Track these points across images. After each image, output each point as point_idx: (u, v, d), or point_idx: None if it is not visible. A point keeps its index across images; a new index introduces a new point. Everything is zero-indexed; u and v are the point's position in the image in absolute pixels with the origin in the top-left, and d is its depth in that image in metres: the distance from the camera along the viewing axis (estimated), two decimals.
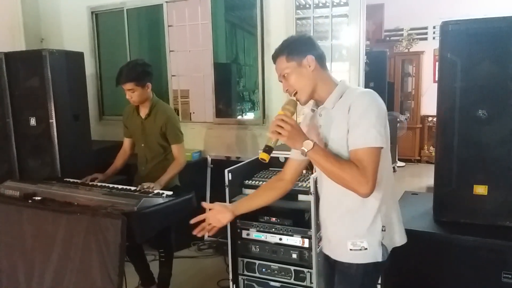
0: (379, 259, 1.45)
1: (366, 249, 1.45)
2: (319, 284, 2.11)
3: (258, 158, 1.64)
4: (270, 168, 2.67)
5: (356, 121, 1.37)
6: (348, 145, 1.39)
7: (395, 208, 1.52)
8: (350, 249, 1.47)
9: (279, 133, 1.36)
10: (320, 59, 1.51)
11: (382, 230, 1.46)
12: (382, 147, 1.36)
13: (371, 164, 1.33)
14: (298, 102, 1.49)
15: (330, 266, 1.63)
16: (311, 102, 1.58)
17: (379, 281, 1.73)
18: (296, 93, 1.49)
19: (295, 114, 1.48)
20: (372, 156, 1.33)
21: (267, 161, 1.41)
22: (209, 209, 1.67)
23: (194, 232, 1.65)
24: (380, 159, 1.36)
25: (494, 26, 1.56)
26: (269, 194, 1.72)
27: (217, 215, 1.64)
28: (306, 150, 1.35)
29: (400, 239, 1.53)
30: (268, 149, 1.41)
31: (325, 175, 1.43)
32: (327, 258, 1.65)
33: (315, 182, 1.82)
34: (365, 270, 1.47)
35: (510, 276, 1.47)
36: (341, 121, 1.41)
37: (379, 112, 1.38)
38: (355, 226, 1.47)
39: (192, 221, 1.66)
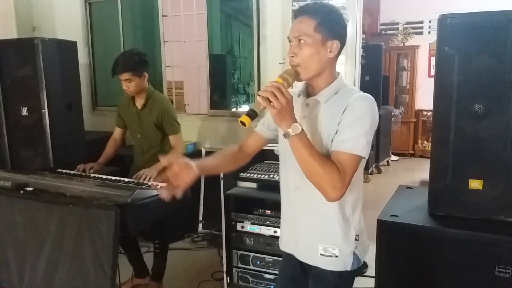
0: (348, 268, 1.39)
1: (337, 257, 1.39)
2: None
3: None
4: (265, 161, 2.67)
5: (350, 124, 1.27)
6: (331, 145, 1.29)
7: (362, 217, 1.46)
8: (321, 254, 1.40)
9: (270, 103, 1.19)
10: (341, 49, 1.34)
11: (356, 239, 1.40)
12: (364, 158, 1.28)
13: (350, 171, 1.24)
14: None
15: (293, 267, 1.53)
16: (301, 84, 1.42)
17: (373, 274, 1.73)
18: (298, 66, 1.30)
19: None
20: (354, 164, 1.26)
21: (247, 126, 1.21)
22: (170, 164, 1.32)
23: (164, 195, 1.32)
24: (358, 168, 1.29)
25: (492, 19, 1.55)
26: (231, 164, 1.58)
27: (181, 173, 1.31)
28: (292, 134, 1.21)
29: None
30: (252, 114, 1.22)
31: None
32: (289, 258, 1.53)
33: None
34: (340, 275, 1.41)
35: (503, 270, 1.48)
36: (331, 119, 1.30)
37: (373, 121, 1.29)
38: (329, 231, 1.39)
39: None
